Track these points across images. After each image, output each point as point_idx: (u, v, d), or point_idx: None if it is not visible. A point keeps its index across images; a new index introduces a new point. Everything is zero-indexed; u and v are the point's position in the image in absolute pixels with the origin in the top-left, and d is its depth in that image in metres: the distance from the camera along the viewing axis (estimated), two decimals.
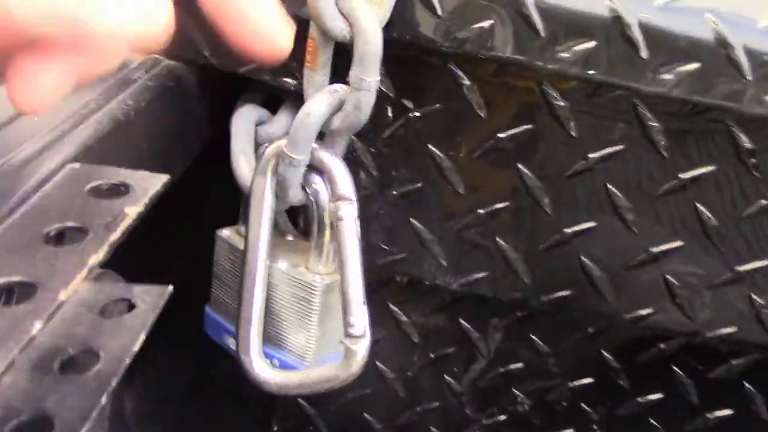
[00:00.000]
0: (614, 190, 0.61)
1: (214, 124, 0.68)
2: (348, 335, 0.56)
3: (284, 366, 0.61)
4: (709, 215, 0.61)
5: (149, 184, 0.42)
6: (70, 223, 0.37)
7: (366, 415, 0.85)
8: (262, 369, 0.59)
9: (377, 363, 0.82)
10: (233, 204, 0.67)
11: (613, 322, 0.73)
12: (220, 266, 0.65)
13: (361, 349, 0.56)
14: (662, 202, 0.61)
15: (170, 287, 0.46)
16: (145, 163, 0.56)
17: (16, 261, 0.34)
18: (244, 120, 0.64)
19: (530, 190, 0.62)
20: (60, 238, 0.37)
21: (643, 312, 0.66)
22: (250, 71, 0.61)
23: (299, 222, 0.69)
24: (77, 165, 0.43)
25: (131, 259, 0.51)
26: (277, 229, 0.65)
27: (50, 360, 0.40)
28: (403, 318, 0.79)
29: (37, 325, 0.30)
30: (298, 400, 0.86)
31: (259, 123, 0.65)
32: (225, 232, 0.64)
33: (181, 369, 1.06)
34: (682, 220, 0.62)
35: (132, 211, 0.39)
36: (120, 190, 0.41)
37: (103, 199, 0.40)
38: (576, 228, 0.63)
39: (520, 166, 0.62)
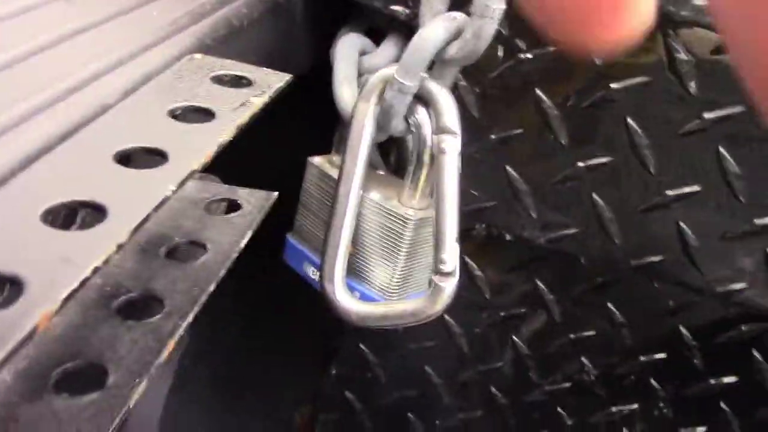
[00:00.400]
0: (725, 154, 0.59)
1: (316, 51, 0.66)
2: (438, 271, 0.54)
3: (365, 299, 0.59)
4: None
5: (272, 80, 0.41)
6: (196, 103, 0.36)
7: (427, 368, 0.84)
8: (344, 298, 0.58)
9: (445, 316, 0.80)
10: (324, 135, 0.66)
11: (698, 296, 0.71)
12: (308, 194, 0.64)
13: (449, 286, 0.55)
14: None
15: (276, 193, 0.46)
16: None
17: (143, 133, 0.33)
18: (349, 47, 0.62)
19: (637, 147, 0.60)
20: (185, 119, 0.36)
21: (737, 287, 0.63)
22: None
23: (390, 160, 0.68)
24: (199, 55, 0.42)
25: (220, 177, 0.50)
26: (369, 163, 0.64)
27: (156, 246, 0.40)
28: (478, 272, 0.77)
29: (171, 187, 0.29)
30: (360, 345, 0.85)
31: (363, 53, 0.64)
32: (317, 159, 0.63)
33: (236, 309, 1.06)
34: None
35: (257, 101, 0.38)
36: (242, 83, 0.40)
37: (228, 87, 0.39)
38: (679, 191, 0.61)
39: (629, 120, 0.59)
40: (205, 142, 0.33)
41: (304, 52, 0.65)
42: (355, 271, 0.61)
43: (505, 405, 0.84)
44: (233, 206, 0.44)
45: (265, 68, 0.42)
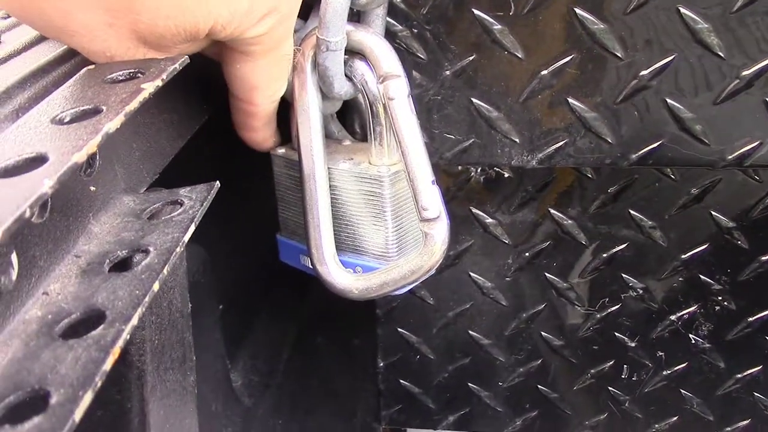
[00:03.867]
0: (688, 13, 0.55)
1: None
2: (423, 219, 0.52)
3: (368, 271, 0.57)
4: None
5: (166, 65, 0.39)
6: (84, 106, 0.34)
7: (471, 332, 0.81)
8: (340, 276, 0.55)
9: (471, 274, 0.77)
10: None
11: (714, 170, 0.66)
12: (281, 186, 0.62)
13: (440, 231, 0.52)
14: (742, 21, 0.54)
15: (217, 182, 0.44)
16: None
17: (27, 140, 0.32)
18: None
19: (593, 36, 0.56)
20: (73, 121, 0.35)
21: (749, 147, 0.59)
22: None
23: (356, 129, 0.65)
24: (92, 66, 0.41)
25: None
26: (333, 139, 0.62)
27: (99, 264, 0.38)
28: (489, 219, 0.74)
29: (48, 183, 0.27)
30: (399, 330, 0.82)
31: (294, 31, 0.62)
32: (280, 150, 0.61)
33: (283, 336, 1.04)
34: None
35: (149, 86, 0.36)
36: (137, 76, 0.39)
37: (119, 84, 0.37)
38: (653, 67, 0.57)
39: (578, 10, 0.56)
40: (89, 134, 0.31)
41: None
42: (349, 246, 0.58)
43: (561, 345, 0.80)
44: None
45: (160, 58, 0.40)
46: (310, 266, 0.58)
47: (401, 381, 0.85)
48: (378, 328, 0.83)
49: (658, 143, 0.60)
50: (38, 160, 0.30)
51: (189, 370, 0.52)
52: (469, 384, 0.83)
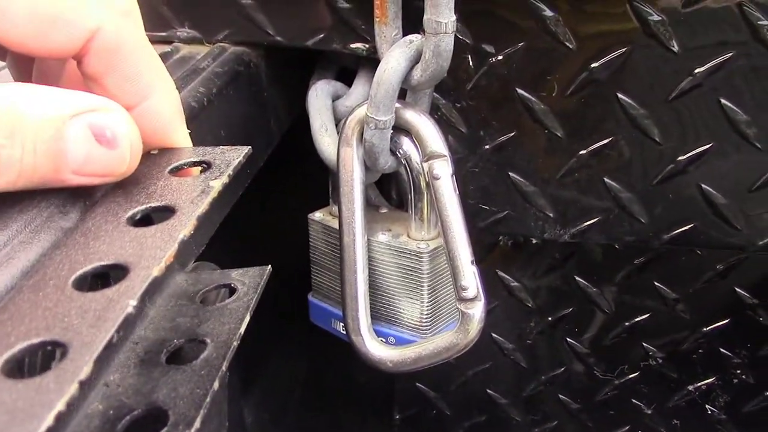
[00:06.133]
0: (728, 104, 0.56)
1: (291, 108, 0.66)
2: (461, 299, 0.52)
3: (401, 342, 0.58)
4: None
5: (231, 157, 0.40)
6: (154, 203, 0.35)
7: (489, 391, 0.81)
8: (374, 347, 0.56)
9: (493, 335, 0.78)
10: (321, 187, 0.65)
11: (743, 253, 0.67)
12: (317, 251, 0.62)
13: (477, 311, 0.52)
14: None
15: (269, 267, 0.44)
16: None
17: (104, 247, 0.32)
18: (320, 95, 0.61)
19: (634, 120, 0.57)
20: (147, 221, 0.35)
21: None
22: (318, 42, 0.58)
23: (392, 195, 0.66)
24: (155, 150, 0.41)
25: (224, 257, 0.49)
26: (370, 205, 0.63)
27: (156, 353, 0.38)
28: (514, 283, 0.74)
29: (132, 303, 0.28)
30: (417, 384, 0.83)
31: (336, 98, 0.63)
32: (317, 215, 0.62)
33: (296, 375, 1.05)
34: None
35: (216, 184, 0.37)
36: (202, 167, 0.39)
37: (186, 177, 0.38)
38: (690, 153, 0.58)
39: (619, 95, 0.57)
40: (165, 242, 0.32)
41: (280, 110, 0.64)
42: (383, 316, 0.59)
43: (578, 409, 0.80)
44: (232, 291, 0.43)
45: (222, 146, 0.41)
46: (343, 332, 0.59)
47: None
48: (395, 381, 0.83)
49: (690, 226, 0.60)
50: (117, 269, 0.31)
51: None
52: None
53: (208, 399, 0.35)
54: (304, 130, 0.62)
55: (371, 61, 0.58)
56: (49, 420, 0.23)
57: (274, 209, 0.74)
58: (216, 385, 0.36)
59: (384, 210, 0.62)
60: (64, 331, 0.27)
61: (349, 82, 0.64)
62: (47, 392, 0.24)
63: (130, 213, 0.34)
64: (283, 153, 0.65)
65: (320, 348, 0.91)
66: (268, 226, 0.73)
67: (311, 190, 0.65)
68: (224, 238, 0.52)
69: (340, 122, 0.61)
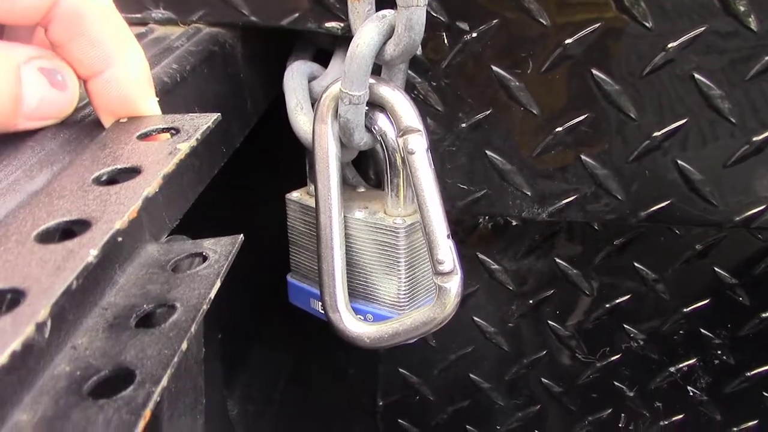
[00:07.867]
0: (702, 79, 0.56)
1: (269, 91, 0.65)
2: (438, 273, 0.52)
3: (379, 319, 0.58)
4: None
5: (199, 122, 0.40)
6: (121, 165, 0.35)
7: (472, 375, 0.81)
8: (352, 324, 0.56)
9: (474, 318, 0.78)
10: (302, 171, 0.65)
11: (721, 230, 0.68)
12: (294, 230, 0.62)
13: (454, 285, 0.52)
14: (756, 84, 0.56)
15: (241, 236, 0.44)
16: None
17: (67, 205, 0.32)
18: (296, 75, 0.61)
19: (609, 96, 0.58)
20: (114, 183, 0.35)
21: (754, 210, 0.60)
22: (293, 21, 0.58)
23: (370, 176, 0.66)
24: (124, 119, 0.41)
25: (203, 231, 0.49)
26: (348, 185, 0.63)
27: (126, 318, 0.38)
28: (495, 266, 0.75)
29: (93, 252, 0.28)
30: (400, 370, 0.83)
31: (312, 78, 0.63)
32: (294, 195, 0.62)
33: (279, 365, 1.04)
34: None
35: (184, 146, 0.37)
36: (171, 133, 0.39)
37: (154, 141, 0.38)
38: (665, 129, 0.58)
39: (594, 71, 0.57)
40: (129, 199, 0.32)
41: (257, 91, 0.64)
42: (361, 293, 0.59)
43: (560, 392, 0.80)
44: (204, 260, 0.43)
45: (192, 114, 0.41)
46: (321, 311, 0.59)
47: (400, 421, 0.86)
48: (379, 367, 0.83)
49: (667, 202, 0.61)
50: (79, 224, 0.31)
51: (199, 413, 0.52)
52: (468, 427, 0.84)
53: (175, 359, 0.35)
54: (282, 113, 0.62)
55: (347, 41, 0.58)
56: (3, 359, 0.23)
57: (253, 192, 0.74)
58: (184, 345, 0.36)
59: (362, 189, 0.62)
60: (23, 279, 0.27)
61: (326, 64, 0.64)
62: (3, 334, 0.24)
63: (96, 174, 0.34)
64: (261, 135, 0.65)
65: (304, 338, 0.91)
66: (247, 209, 0.73)
67: (294, 174, 0.65)
68: (203, 222, 0.52)
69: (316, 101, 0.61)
